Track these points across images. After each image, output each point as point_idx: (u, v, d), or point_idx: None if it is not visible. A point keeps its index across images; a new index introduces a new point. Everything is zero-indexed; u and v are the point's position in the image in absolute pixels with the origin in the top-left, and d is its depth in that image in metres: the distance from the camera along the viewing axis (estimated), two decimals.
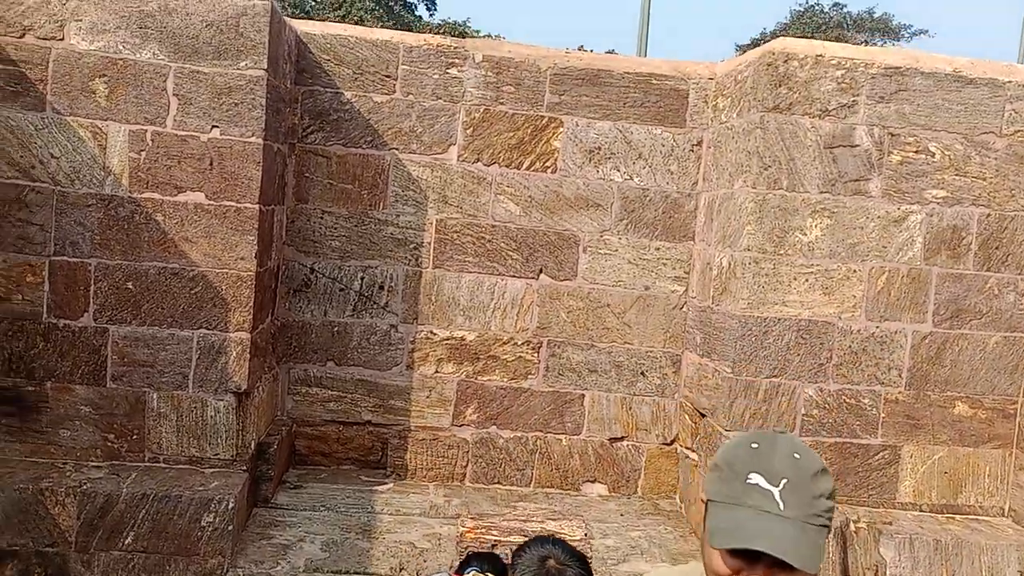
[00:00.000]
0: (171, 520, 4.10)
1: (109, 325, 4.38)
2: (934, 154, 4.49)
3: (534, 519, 3.38)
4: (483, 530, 3.15)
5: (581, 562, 2.18)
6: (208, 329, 4.43)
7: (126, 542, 4.08)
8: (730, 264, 4.64)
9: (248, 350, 4.46)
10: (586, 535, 3.20)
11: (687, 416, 5.28)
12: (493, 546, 3.03)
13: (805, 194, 4.43)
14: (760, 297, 4.45)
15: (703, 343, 5.03)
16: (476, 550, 2.99)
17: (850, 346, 4.53)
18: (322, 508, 4.79)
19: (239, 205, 4.40)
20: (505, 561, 3.01)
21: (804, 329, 4.49)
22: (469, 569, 2.80)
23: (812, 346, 4.50)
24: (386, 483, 5.24)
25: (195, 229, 4.39)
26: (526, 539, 3.13)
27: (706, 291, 5.03)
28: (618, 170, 5.33)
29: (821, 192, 4.43)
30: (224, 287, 4.42)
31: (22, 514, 4.02)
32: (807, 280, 4.46)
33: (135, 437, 4.42)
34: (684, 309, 5.41)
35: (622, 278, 5.38)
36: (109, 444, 4.41)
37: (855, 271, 4.48)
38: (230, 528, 4.13)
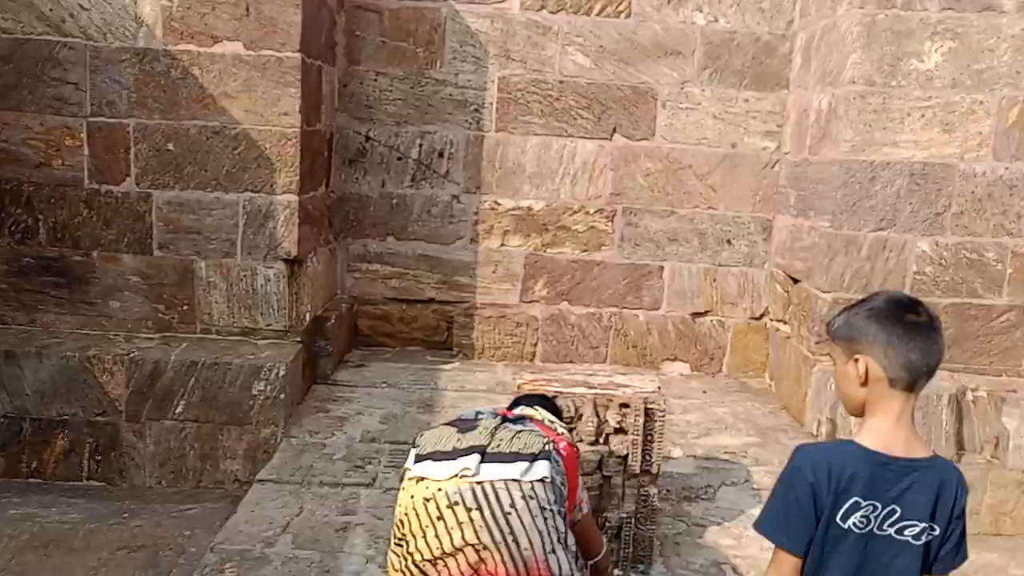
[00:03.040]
0: (221, 388, 3.91)
1: (152, 190, 4.13)
2: None
3: (601, 372, 2.99)
4: (543, 382, 2.79)
5: None
6: (254, 192, 4.14)
7: (177, 411, 3.92)
8: (831, 104, 4.05)
9: (297, 214, 4.16)
10: (659, 388, 2.80)
11: (778, 286, 4.77)
12: (554, 396, 2.67)
13: (923, 12, 3.77)
14: (866, 138, 3.86)
15: (797, 202, 4.48)
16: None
17: (973, 192, 3.91)
18: (384, 385, 4.54)
19: (279, 55, 4.05)
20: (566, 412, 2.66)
21: (919, 173, 3.89)
22: (518, 407, 2.48)
23: (927, 193, 3.90)
24: (452, 362, 4.95)
25: (235, 83, 4.06)
26: (601, 385, 2.72)
27: (801, 143, 4.45)
28: (701, 11, 4.74)
29: (943, 9, 3.76)
30: (268, 146, 4.10)
31: (70, 383, 3.90)
32: (923, 115, 3.84)
33: (185, 308, 4.22)
34: (776, 168, 4.84)
35: (706, 135, 4.84)
36: (160, 315, 4.21)
37: (982, 103, 3.83)
38: (283, 397, 3.91)
